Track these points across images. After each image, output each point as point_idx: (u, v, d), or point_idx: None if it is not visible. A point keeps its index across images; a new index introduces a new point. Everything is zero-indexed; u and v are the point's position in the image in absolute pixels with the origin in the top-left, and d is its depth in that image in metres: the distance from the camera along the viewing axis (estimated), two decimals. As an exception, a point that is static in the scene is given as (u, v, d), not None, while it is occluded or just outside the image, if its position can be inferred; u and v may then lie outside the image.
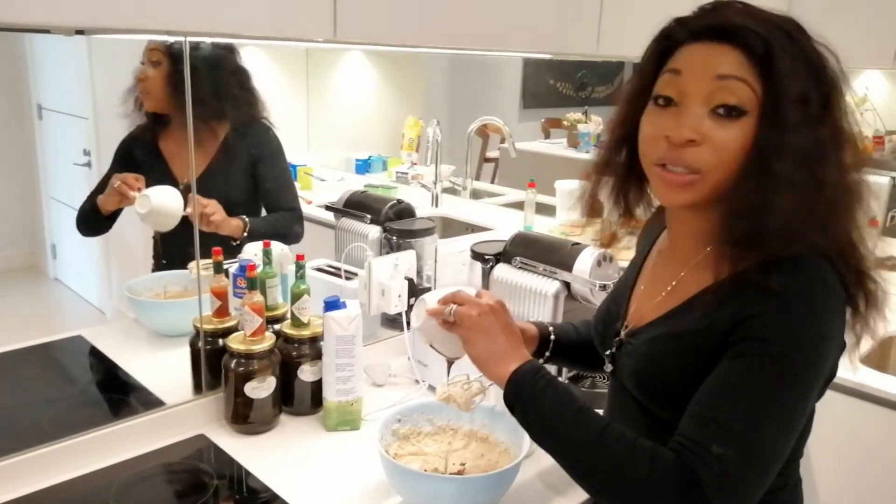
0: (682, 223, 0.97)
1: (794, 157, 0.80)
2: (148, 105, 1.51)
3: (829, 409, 1.63)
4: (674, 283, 0.96)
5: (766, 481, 0.81)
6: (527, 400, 0.92)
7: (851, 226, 0.86)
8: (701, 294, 0.89)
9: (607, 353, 1.06)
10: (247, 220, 1.64)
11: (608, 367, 1.06)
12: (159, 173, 1.55)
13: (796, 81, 0.81)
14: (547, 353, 1.18)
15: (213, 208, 1.53)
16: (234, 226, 1.61)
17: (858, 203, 0.86)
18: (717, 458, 0.78)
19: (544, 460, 1.24)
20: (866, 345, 1.86)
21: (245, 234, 1.62)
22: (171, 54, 1.44)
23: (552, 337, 1.18)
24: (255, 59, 1.90)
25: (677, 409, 0.88)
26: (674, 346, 0.91)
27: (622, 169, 0.98)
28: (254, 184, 1.69)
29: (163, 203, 1.47)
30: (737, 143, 0.82)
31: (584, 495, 1.14)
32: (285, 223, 1.77)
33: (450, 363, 1.12)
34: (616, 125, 0.97)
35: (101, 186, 1.49)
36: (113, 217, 1.49)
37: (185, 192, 1.49)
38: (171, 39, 1.39)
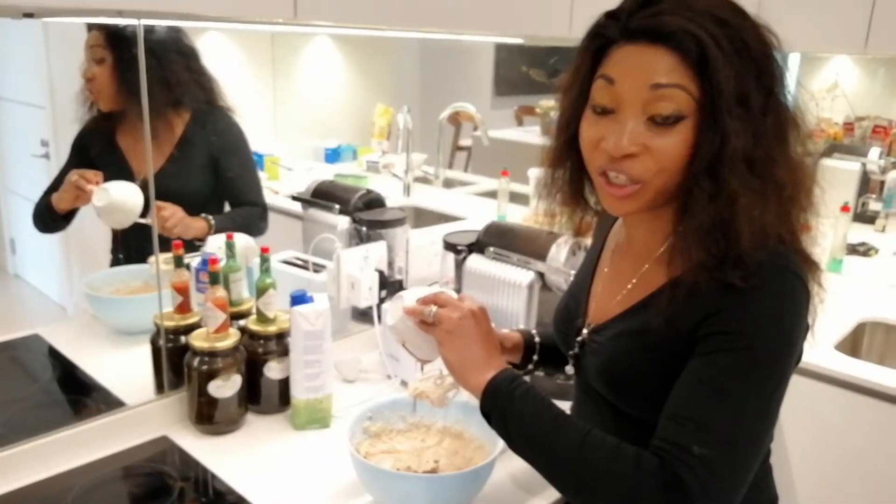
0: (637, 223, 0.96)
1: (740, 163, 0.79)
2: (103, 105, 1.45)
3: (801, 396, 1.64)
4: (635, 279, 0.95)
5: (749, 474, 0.80)
6: (504, 409, 0.91)
7: (799, 212, 0.86)
8: (663, 289, 0.88)
9: (570, 353, 1.03)
10: (211, 219, 1.58)
11: (570, 369, 1.04)
12: (116, 168, 1.49)
13: (734, 82, 0.79)
14: (535, 358, 1.15)
15: (170, 211, 1.48)
16: (197, 227, 1.56)
17: (811, 190, 0.86)
18: (698, 458, 0.78)
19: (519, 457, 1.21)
20: (839, 331, 1.87)
21: (210, 234, 1.57)
22: (114, 46, 1.38)
23: (537, 340, 1.16)
24: (218, 46, 1.84)
25: (646, 406, 0.88)
26: (639, 342, 0.89)
27: (572, 174, 0.96)
28: (215, 177, 1.63)
29: (122, 198, 1.41)
30: (676, 149, 0.81)
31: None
32: (250, 219, 1.71)
33: (422, 364, 1.09)
34: (560, 129, 0.94)
35: (57, 183, 1.43)
36: (69, 216, 1.43)
37: (144, 188, 1.43)
38: (124, 22, 1.32)
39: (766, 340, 0.80)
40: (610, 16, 0.85)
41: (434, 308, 0.99)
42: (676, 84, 0.80)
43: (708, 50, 0.78)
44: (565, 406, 1.10)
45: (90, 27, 1.41)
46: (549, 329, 1.19)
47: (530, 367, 1.16)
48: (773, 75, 0.82)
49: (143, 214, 1.41)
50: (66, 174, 1.44)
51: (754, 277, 0.79)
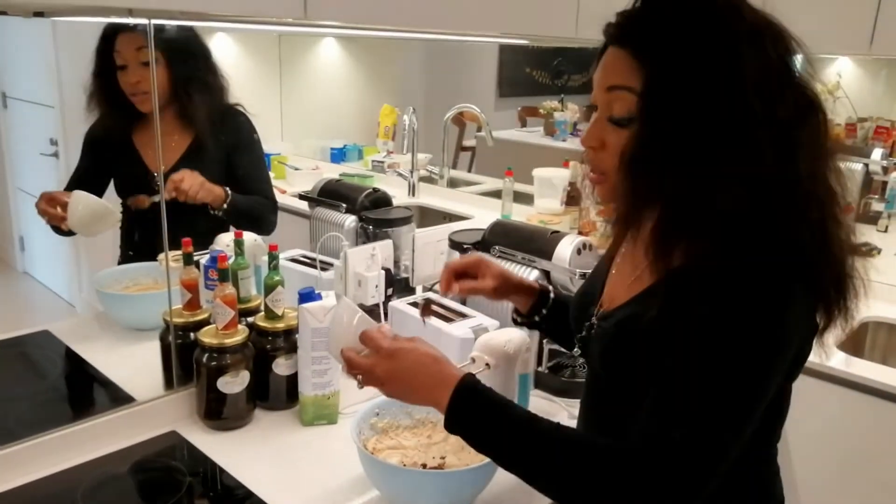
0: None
1: (667, 162, 0.81)
2: (146, 106, 1.45)
3: (803, 395, 1.65)
4: (642, 268, 0.95)
5: (727, 457, 0.80)
6: (468, 429, 0.89)
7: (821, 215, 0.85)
8: (662, 279, 0.88)
9: (578, 336, 1.05)
10: (229, 190, 1.59)
11: (576, 352, 1.06)
12: (131, 166, 1.50)
13: (667, 83, 0.80)
14: (544, 311, 1.19)
15: (182, 175, 1.47)
16: (215, 193, 1.57)
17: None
18: (677, 443, 0.78)
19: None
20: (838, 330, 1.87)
21: (225, 204, 1.58)
22: (167, 49, 1.39)
23: (552, 296, 1.20)
24: (226, 47, 1.86)
25: (640, 394, 0.87)
26: (636, 331, 0.90)
27: None
28: (228, 174, 1.64)
29: (89, 210, 1.41)
30: (625, 147, 0.85)
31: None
32: (262, 208, 1.73)
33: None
34: None
35: (70, 185, 1.45)
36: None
37: (156, 185, 1.44)
38: (133, 21, 1.34)
39: (741, 327, 0.80)
40: (613, 19, 0.89)
41: (365, 351, 0.97)
42: (626, 86, 0.84)
43: (653, 52, 0.81)
44: (572, 403, 1.12)
45: (120, 29, 1.42)
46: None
47: (537, 318, 1.20)
48: (727, 78, 0.80)
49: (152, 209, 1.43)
50: (79, 175, 1.46)
51: (733, 272, 0.80)
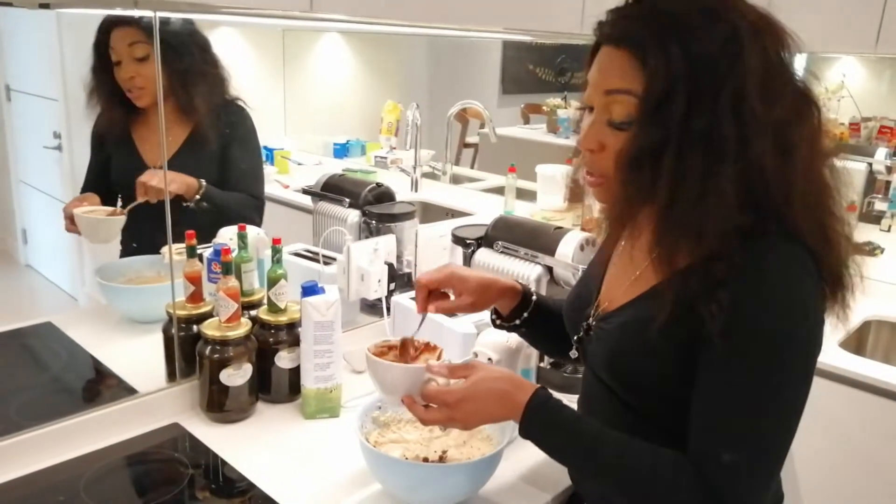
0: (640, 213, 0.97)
1: (658, 157, 0.81)
2: (144, 101, 1.46)
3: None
4: (645, 265, 0.95)
5: (777, 470, 0.83)
6: (540, 438, 0.93)
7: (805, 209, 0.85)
8: (667, 280, 0.88)
9: (575, 337, 1.05)
10: (204, 182, 1.55)
11: (573, 354, 1.05)
12: (128, 159, 1.50)
13: (668, 84, 0.79)
14: (525, 315, 1.16)
15: (149, 175, 1.45)
16: (187, 183, 1.52)
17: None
18: (727, 466, 0.80)
19: (526, 447, 1.22)
20: (844, 329, 1.87)
21: (198, 195, 1.54)
22: (161, 43, 1.38)
23: (534, 297, 1.17)
24: (229, 41, 1.85)
25: (646, 396, 0.90)
26: (643, 333, 0.89)
27: None
28: (223, 168, 1.62)
29: (95, 218, 1.46)
30: (628, 150, 0.84)
31: (566, 481, 1.13)
32: (244, 204, 1.69)
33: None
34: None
35: (88, 183, 1.46)
36: None
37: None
38: (139, 14, 1.33)
39: (781, 337, 0.80)
40: (605, 16, 0.88)
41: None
42: (626, 90, 0.83)
43: (648, 50, 0.80)
44: (574, 399, 1.12)
45: (115, 24, 1.41)
46: (556, 303, 1.20)
47: (517, 322, 1.16)
48: (728, 79, 0.79)
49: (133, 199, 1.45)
50: (90, 173, 1.46)
51: (738, 269, 0.80)
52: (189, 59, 1.52)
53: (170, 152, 1.53)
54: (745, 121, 0.79)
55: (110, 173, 1.51)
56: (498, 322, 1.19)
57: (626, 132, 0.85)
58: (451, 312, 1.20)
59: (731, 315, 0.79)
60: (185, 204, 1.53)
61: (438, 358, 1.07)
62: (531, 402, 0.92)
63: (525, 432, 0.93)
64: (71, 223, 1.44)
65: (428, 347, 1.10)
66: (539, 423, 0.92)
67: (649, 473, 0.84)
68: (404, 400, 1.00)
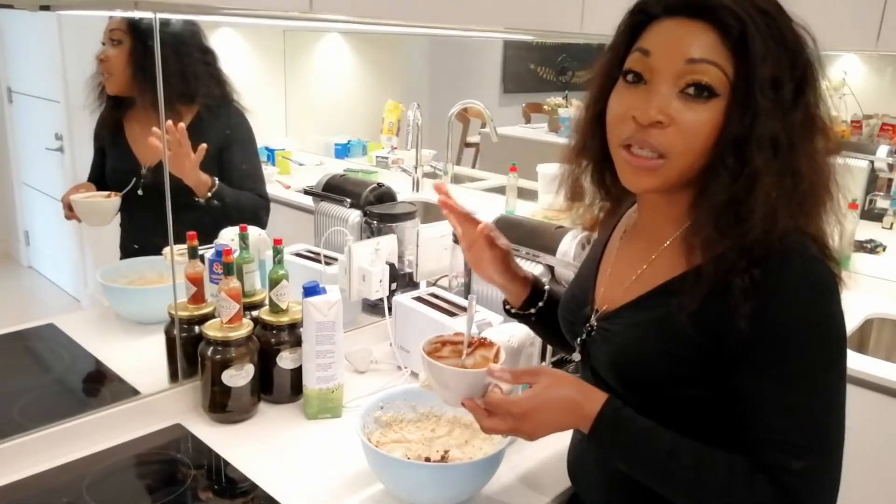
0: (652, 205, 0.95)
1: (766, 144, 0.79)
2: (110, 88, 1.45)
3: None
4: (645, 266, 0.94)
5: (841, 462, 0.83)
6: (611, 450, 0.89)
7: (822, 211, 0.86)
8: (678, 280, 0.87)
9: (578, 340, 1.02)
10: (216, 180, 1.56)
11: (576, 356, 1.03)
12: (121, 157, 1.50)
13: (770, 65, 0.79)
14: (540, 304, 1.15)
15: (188, 148, 1.46)
16: (202, 179, 1.53)
17: (829, 189, 0.86)
18: (798, 472, 0.79)
19: (528, 447, 1.22)
20: (847, 327, 1.86)
21: (210, 193, 1.55)
22: (134, 31, 1.38)
23: (546, 288, 1.16)
24: (230, 43, 1.85)
25: (650, 396, 0.89)
26: (656, 333, 0.88)
27: (598, 152, 0.95)
28: (220, 171, 1.62)
29: (89, 201, 1.47)
30: (706, 126, 0.81)
31: (567, 481, 1.13)
32: (253, 203, 1.70)
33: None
34: (589, 104, 0.94)
35: (92, 173, 1.47)
36: None
37: (148, 177, 1.47)
38: (139, 15, 1.34)
39: (813, 337, 0.80)
40: None
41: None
42: (712, 61, 0.80)
43: (748, 29, 0.78)
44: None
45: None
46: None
47: (532, 311, 1.15)
48: (806, 70, 0.82)
49: (135, 189, 1.48)
50: (92, 170, 1.47)
51: (776, 269, 0.79)
52: (185, 60, 1.51)
53: (160, 154, 1.53)
54: (812, 116, 0.83)
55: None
56: (512, 311, 1.18)
57: (703, 106, 0.80)
58: (476, 245, 1.14)
59: (766, 322, 0.79)
60: (195, 199, 1.53)
61: (496, 356, 1.03)
62: (602, 415, 0.88)
63: (595, 443, 0.90)
64: (69, 210, 1.44)
65: (483, 343, 1.07)
66: (609, 436, 0.89)
67: (724, 493, 0.83)
68: (465, 403, 0.95)
